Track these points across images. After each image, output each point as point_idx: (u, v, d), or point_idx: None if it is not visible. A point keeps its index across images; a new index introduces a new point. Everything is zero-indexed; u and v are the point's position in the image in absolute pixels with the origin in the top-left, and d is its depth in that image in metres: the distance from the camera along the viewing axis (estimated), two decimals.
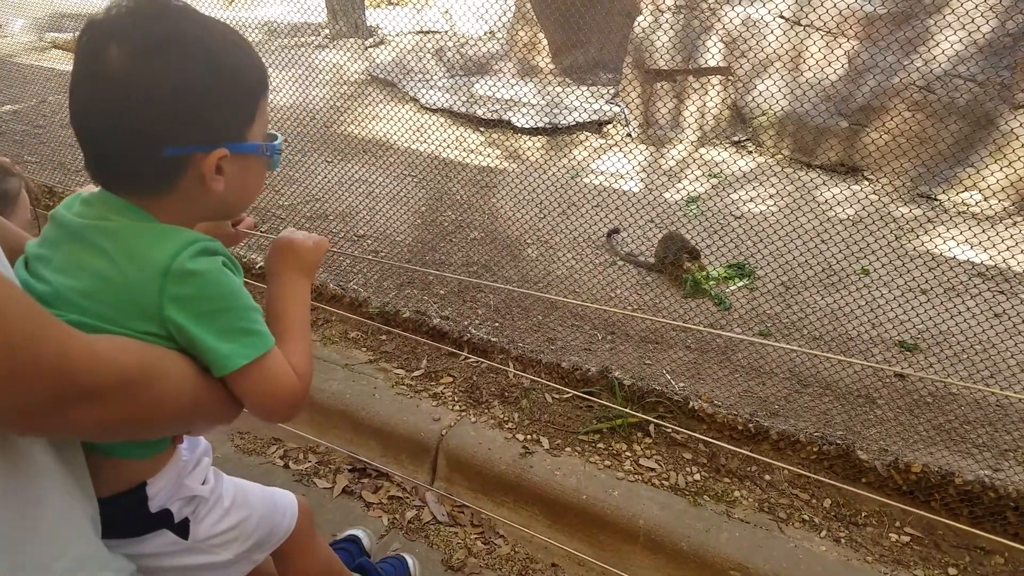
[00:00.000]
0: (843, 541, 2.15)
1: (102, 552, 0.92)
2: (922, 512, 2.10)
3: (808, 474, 2.27)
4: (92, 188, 0.97)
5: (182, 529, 1.14)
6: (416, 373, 2.83)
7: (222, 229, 1.27)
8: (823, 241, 3.68)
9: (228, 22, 0.97)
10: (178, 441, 1.13)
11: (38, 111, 5.75)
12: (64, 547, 0.84)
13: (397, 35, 8.50)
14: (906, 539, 2.18)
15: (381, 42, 8.24)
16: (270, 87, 1.01)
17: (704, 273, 3.61)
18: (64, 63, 7.35)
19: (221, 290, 0.91)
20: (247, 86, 0.95)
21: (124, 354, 0.82)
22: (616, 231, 4.06)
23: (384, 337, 3.07)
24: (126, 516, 1.06)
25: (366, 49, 7.92)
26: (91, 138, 0.89)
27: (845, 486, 2.21)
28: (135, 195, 0.92)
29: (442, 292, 3.40)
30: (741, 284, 3.61)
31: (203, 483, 1.19)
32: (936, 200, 4.74)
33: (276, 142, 1.03)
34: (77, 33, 0.87)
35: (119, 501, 1.04)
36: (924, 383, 2.80)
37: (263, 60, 0.99)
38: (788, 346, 2.88)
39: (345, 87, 6.96)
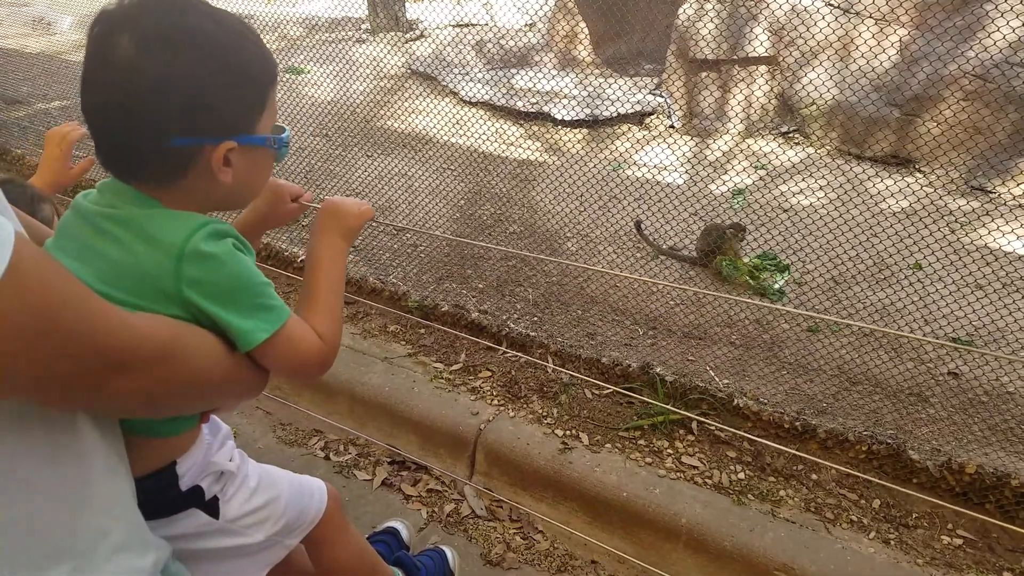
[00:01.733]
0: (893, 543, 2.08)
1: (145, 529, 0.94)
2: (976, 514, 2.02)
3: (856, 473, 2.20)
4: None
5: (212, 508, 1.16)
6: (455, 367, 2.83)
7: (282, 205, 1.29)
8: (875, 235, 3.57)
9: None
10: (205, 419, 1.15)
11: None
12: (113, 523, 0.86)
13: (437, 28, 8.51)
14: (959, 542, 2.10)
15: (421, 36, 8.25)
16: (278, 80, 1.03)
17: (738, 262, 3.53)
18: None
19: (234, 270, 0.93)
20: (255, 79, 0.97)
21: (161, 327, 0.85)
22: (639, 224, 3.98)
23: (423, 331, 3.07)
24: (158, 495, 1.08)
25: (406, 43, 7.94)
26: (101, 127, 0.91)
27: (894, 486, 2.13)
28: (143, 184, 0.94)
29: (481, 286, 3.39)
30: (786, 278, 3.52)
31: (230, 460, 1.22)
32: (993, 192, 4.56)
33: (283, 134, 1.04)
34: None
35: (151, 481, 1.06)
36: (979, 382, 2.70)
37: (273, 54, 1.00)
38: (844, 321, 2.80)
39: (385, 81, 6.99)
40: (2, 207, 0.73)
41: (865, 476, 2.21)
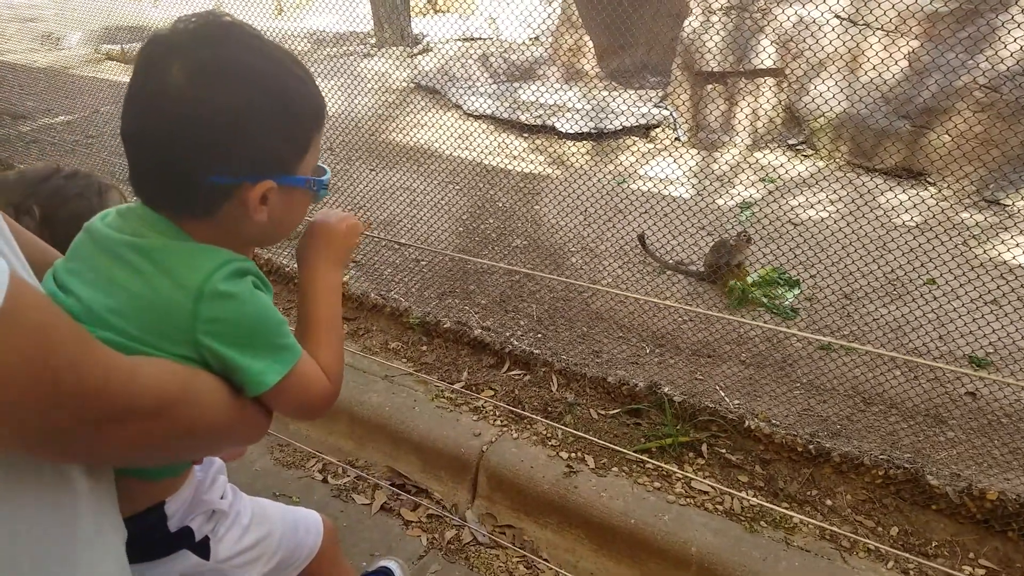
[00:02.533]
0: (912, 573, 1.99)
1: None
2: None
3: (841, 532, 2.11)
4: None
5: (203, 549, 1.11)
6: (457, 386, 2.75)
7: None
8: (887, 250, 3.49)
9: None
10: (199, 461, 1.10)
11: (91, 122, 5.87)
12: (99, 570, 0.81)
13: (442, 43, 8.50)
14: (981, 572, 2.01)
15: (426, 50, 8.25)
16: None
17: (743, 282, 3.45)
18: (117, 74, 7.53)
19: (252, 310, 0.87)
20: (302, 120, 0.91)
21: (164, 377, 0.80)
22: (642, 238, 3.89)
23: (424, 348, 3.00)
24: (145, 536, 1.02)
25: (411, 57, 7.93)
26: (138, 152, 0.86)
27: (894, 551, 2.05)
28: (174, 214, 0.88)
29: (484, 302, 3.32)
30: (796, 293, 3.44)
31: (221, 498, 1.17)
32: (1009, 205, 4.48)
33: (324, 176, 0.98)
34: (133, 44, 0.82)
35: (138, 521, 1.00)
36: (999, 403, 2.61)
37: (321, 92, 0.95)
38: (859, 346, 2.72)
39: (390, 95, 6.97)
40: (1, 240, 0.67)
41: (843, 530, 2.12)
